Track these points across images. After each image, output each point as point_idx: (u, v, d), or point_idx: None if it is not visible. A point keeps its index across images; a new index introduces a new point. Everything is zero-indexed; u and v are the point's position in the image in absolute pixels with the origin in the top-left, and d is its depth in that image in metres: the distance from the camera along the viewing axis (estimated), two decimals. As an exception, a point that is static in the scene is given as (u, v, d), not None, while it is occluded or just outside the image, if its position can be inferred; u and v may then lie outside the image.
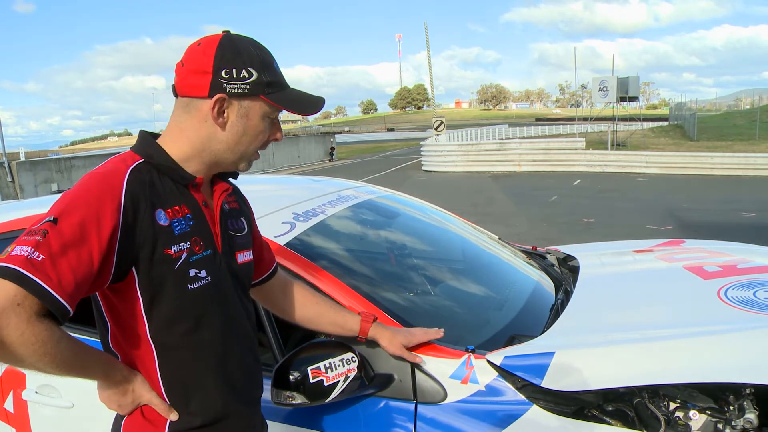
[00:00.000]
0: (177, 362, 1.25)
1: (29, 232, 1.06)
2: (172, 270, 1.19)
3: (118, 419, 1.31)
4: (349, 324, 1.58)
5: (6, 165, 19.98)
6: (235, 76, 1.20)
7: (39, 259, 1.02)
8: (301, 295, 1.61)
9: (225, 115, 1.23)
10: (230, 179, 1.41)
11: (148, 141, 1.28)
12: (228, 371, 1.31)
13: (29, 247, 1.03)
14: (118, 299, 1.20)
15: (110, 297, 1.21)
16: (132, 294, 1.18)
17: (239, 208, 1.43)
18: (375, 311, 1.69)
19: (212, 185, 1.35)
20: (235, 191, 1.45)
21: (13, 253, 1.03)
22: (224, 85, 1.20)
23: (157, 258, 1.17)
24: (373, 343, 1.60)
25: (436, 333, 1.62)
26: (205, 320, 1.25)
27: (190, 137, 1.25)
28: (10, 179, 19.97)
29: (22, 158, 23.92)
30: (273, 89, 1.24)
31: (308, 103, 1.31)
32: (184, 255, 1.20)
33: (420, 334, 1.61)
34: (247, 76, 1.21)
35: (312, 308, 1.60)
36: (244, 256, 1.39)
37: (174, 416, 1.26)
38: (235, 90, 1.21)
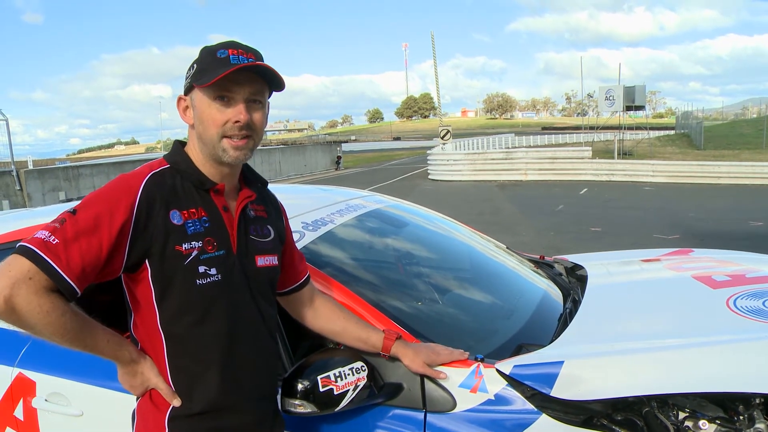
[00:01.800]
0: (183, 351, 1.33)
1: (53, 220, 1.21)
2: (182, 265, 1.28)
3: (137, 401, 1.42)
4: (372, 340, 1.59)
5: (14, 173, 20.09)
6: (185, 76, 1.36)
7: (53, 242, 1.17)
8: (328, 309, 1.64)
9: (188, 112, 1.37)
10: (261, 187, 1.52)
11: (176, 149, 1.42)
12: (232, 366, 1.37)
13: (47, 232, 1.18)
14: (135, 288, 1.32)
15: (130, 286, 1.34)
16: (146, 284, 1.30)
17: (267, 216, 1.50)
18: (383, 319, 1.70)
19: (239, 191, 1.44)
20: (265, 200, 1.53)
21: (35, 235, 1.18)
22: (184, 87, 1.37)
23: (168, 253, 1.27)
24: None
25: (461, 354, 1.61)
26: (211, 315, 1.33)
27: (192, 142, 1.40)
28: (18, 187, 20.08)
29: (30, 166, 24.04)
30: (203, 74, 1.30)
31: (227, 74, 1.26)
32: (195, 253, 1.29)
33: (445, 354, 1.59)
34: (189, 71, 1.34)
35: (338, 323, 1.63)
36: (265, 261, 1.45)
37: (176, 402, 1.33)
38: (185, 87, 1.36)
